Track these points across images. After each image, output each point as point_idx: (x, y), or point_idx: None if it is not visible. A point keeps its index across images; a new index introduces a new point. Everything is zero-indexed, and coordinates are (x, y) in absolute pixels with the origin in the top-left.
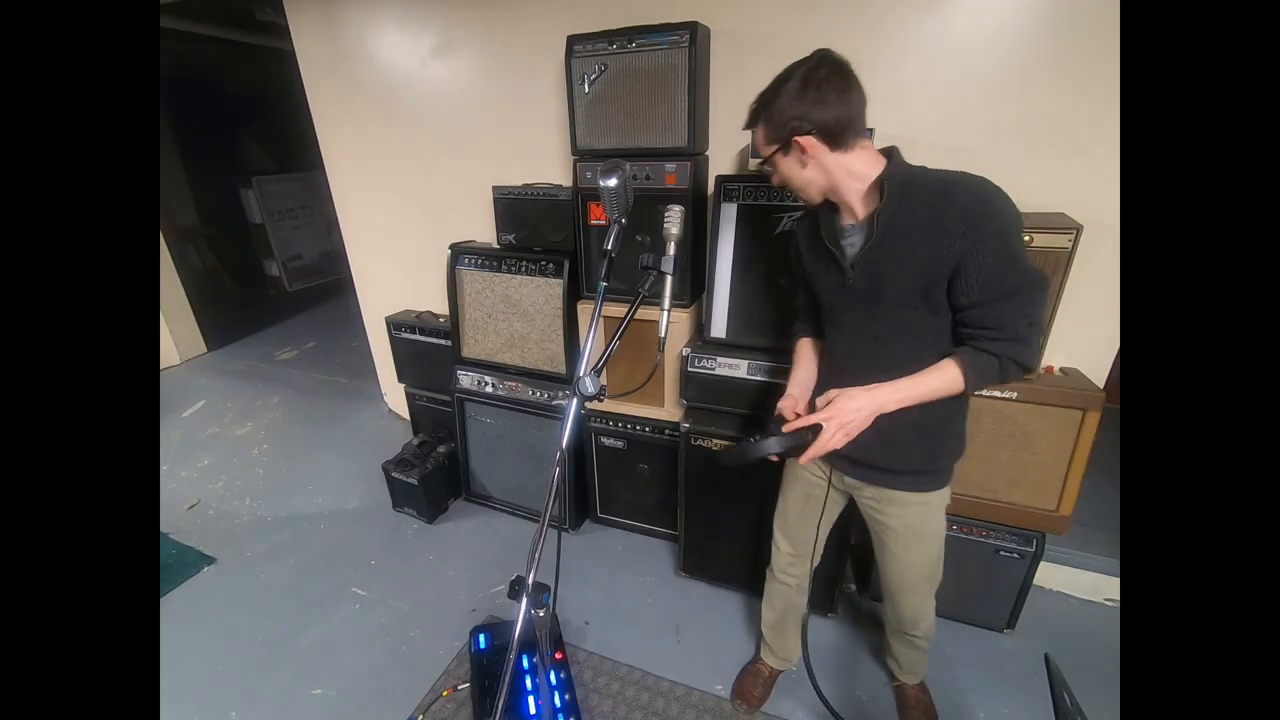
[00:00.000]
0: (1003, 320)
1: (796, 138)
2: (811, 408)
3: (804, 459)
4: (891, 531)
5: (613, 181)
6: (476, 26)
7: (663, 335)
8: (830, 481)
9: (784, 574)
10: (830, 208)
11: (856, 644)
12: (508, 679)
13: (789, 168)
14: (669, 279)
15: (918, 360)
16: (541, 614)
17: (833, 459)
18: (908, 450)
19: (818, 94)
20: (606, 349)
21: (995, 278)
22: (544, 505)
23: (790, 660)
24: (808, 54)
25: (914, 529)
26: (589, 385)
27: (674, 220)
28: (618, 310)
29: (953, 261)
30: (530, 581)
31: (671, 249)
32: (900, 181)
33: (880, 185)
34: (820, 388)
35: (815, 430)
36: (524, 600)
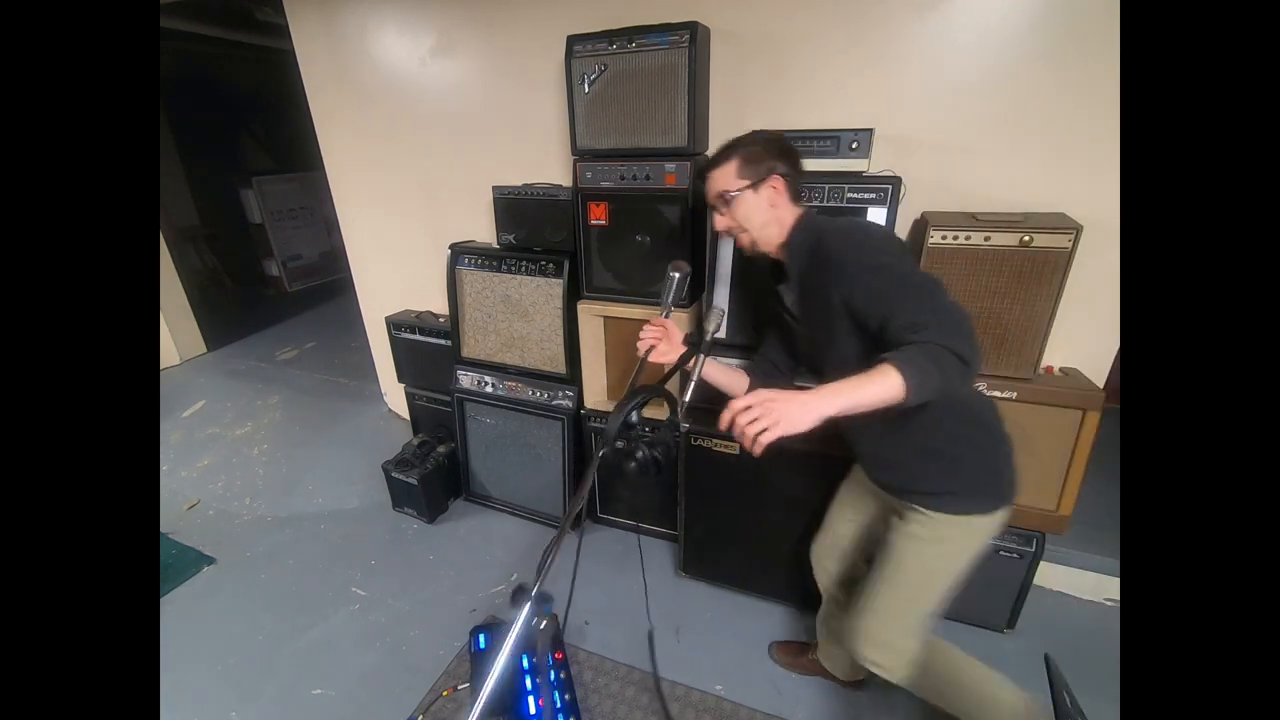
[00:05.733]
0: (915, 316)
1: (774, 175)
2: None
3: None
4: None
5: (676, 275)
6: (476, 26)
7: (685, 399)
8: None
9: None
10: (776, 263)
11: None
12: (495, 674)
13: (755, 205)
14: (703, 359)
15: None
16: (544, 624)
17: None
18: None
19: (786, 150)
20: (673, 377)
21: (885, 298)
22: (563, 510)
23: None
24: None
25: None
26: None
27: (714, 318)
28: (618, 310)
29: (842, 302)
30: (535, 590)
31: (709, 336)
32: (797, 241)
33: (786, 247)
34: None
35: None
36: (526, 607)
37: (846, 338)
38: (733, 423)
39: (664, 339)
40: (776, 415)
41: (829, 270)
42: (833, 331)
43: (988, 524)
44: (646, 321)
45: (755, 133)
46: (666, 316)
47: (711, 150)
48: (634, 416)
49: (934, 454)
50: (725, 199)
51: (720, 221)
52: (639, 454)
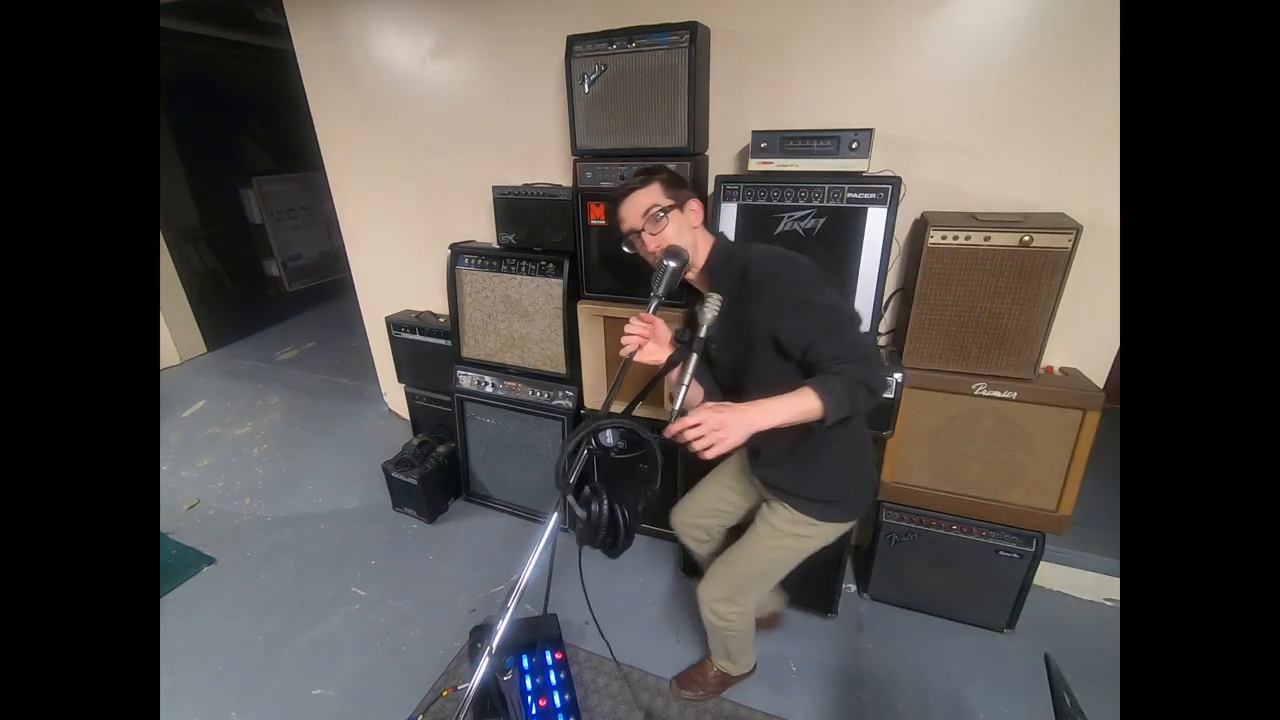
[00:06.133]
0: (837, 350)
1: (694, 199)
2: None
3: (669, 431)
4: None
5: (673, 264)
6: (476, 26)
7: (677, 407)
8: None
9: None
10: (691, 289)
11: (857, 644)
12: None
13: (680, 226)
14: (694, 356)
15: None
16: (507, 679)
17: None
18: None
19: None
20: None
21: (813, 332)
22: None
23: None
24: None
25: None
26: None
27: (712, 307)
28: (618, 310)
29: (769, 332)
30: (495, 644)
31: (703, 331)
32: (718, 263)
33: (706, 270)
34: None
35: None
36: (484, 659)
37: (764, 361)
38: (680, 434)
39: (651, 338)
40: (722, 433)
41: (760, 300)
42: (753, 354)
43: (837, 530)
44: (624, 320)
45: (661, 165)
46: (653, 312)
47: (712, 150)
48: (609, 438)
49: (817, 466)
50: (657, 214)
51: (650, 242)
52: (594, 507)
